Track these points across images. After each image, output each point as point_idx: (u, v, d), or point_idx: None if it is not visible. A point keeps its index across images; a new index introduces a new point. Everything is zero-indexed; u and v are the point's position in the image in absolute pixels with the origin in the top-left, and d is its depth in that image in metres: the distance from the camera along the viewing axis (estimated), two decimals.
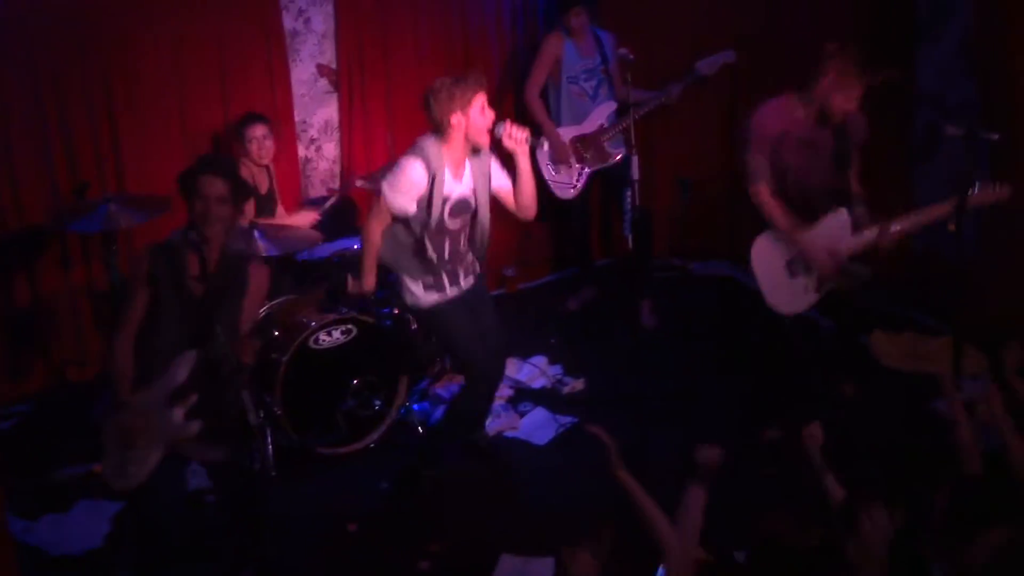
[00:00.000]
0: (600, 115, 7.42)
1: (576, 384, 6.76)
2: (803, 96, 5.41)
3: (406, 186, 5.16)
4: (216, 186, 4.54)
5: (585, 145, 7.42)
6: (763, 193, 5.44)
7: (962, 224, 5.05)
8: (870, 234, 5.45)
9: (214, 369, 4.42)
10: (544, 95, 7.54)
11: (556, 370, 6.91)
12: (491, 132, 5.18)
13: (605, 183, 7.72)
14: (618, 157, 7.37)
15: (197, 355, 4.36)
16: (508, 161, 5.34)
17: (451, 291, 5.44)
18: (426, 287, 5.38)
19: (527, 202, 5.38)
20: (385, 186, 5.22)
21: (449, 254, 5.38)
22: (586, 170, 7.43)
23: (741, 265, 8.34)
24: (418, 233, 5.27)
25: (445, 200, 5.21)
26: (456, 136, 5.15)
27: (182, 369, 4.35)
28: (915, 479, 4.24)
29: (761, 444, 5.71)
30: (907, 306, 7.35)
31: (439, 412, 6.31)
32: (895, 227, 5.43)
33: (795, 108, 5.42)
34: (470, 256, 5.54)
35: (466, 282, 5.51)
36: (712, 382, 6.52)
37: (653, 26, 8.32)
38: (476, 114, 5.11)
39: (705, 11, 8.30)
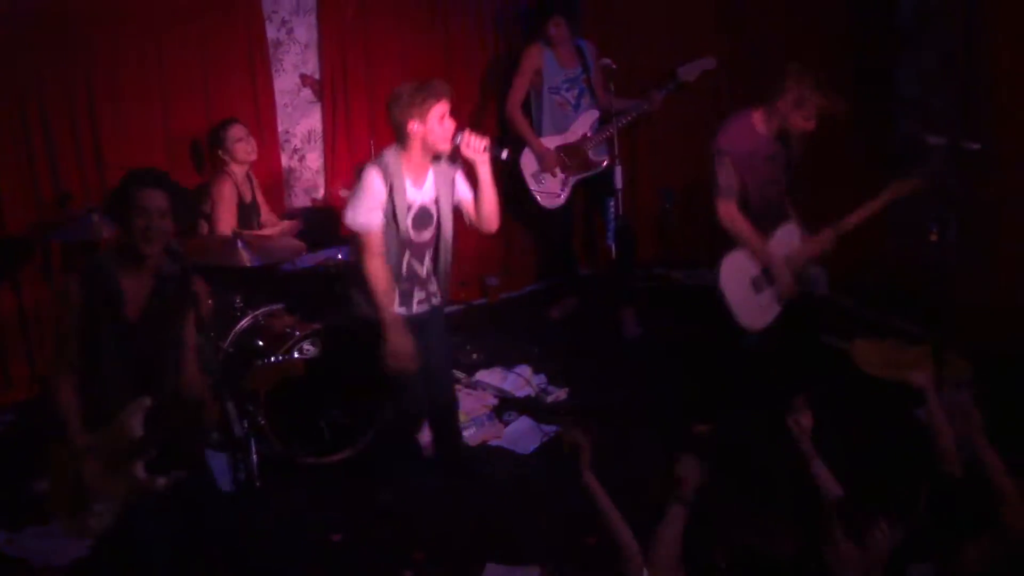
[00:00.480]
0: (583, 124, 7.45)
1: (560, 393, 6.76)
2: (765, 111, 5.58)
3: (366, 201, 5.11)
4: (157, 199, 4.23)
5: (569, 154, 7.44)
6: (732, 211, 5.60)
7: (944, 232, 5.09)
8: (825, 237, 5.63)
9: (168, 402, 4.20)
10: (527, 106, 7.56)
11: (540, 379, 6.91)
12: (451, 142, 5.13)
13: (588, 192, 7.74)
14: (602, 166, 7.39)
15: (147, 402, 4.17)
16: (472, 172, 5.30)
17: (396, 308, 5.27)
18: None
19: (488, 213, 5.32)
20: (348, 209, 5.18)
21: (407, 272, 5.30)
22: (571, 179, 7.45)
23: None
24: (389, 247, 5.20)
25: (408, 208, 5.17)
26: (415, 144, 5.12)
27: (136, 419, 4.16)
28: (896, 484, 4.25)
29: (692, 436, 5.88)
30: (889, 314, 7.39)
31: None
32: (850, 222, 5.59)
33: (759, 124, 5.61)
34: (432, 284, 5.43)
35: (418, 307, 5.38)
36: (693, 392, 6.52)
37: (634, 34, 8.36)
38: (435, 123, 5.06)
39: (686, 18, 8.34)
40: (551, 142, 7.46)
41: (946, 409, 4.16)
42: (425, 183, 5.24)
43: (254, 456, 5.68)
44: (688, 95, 7.61)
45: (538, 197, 7.52)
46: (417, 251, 5.29)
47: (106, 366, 4.27)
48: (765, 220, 5.64)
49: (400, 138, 5.16)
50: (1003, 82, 6.48)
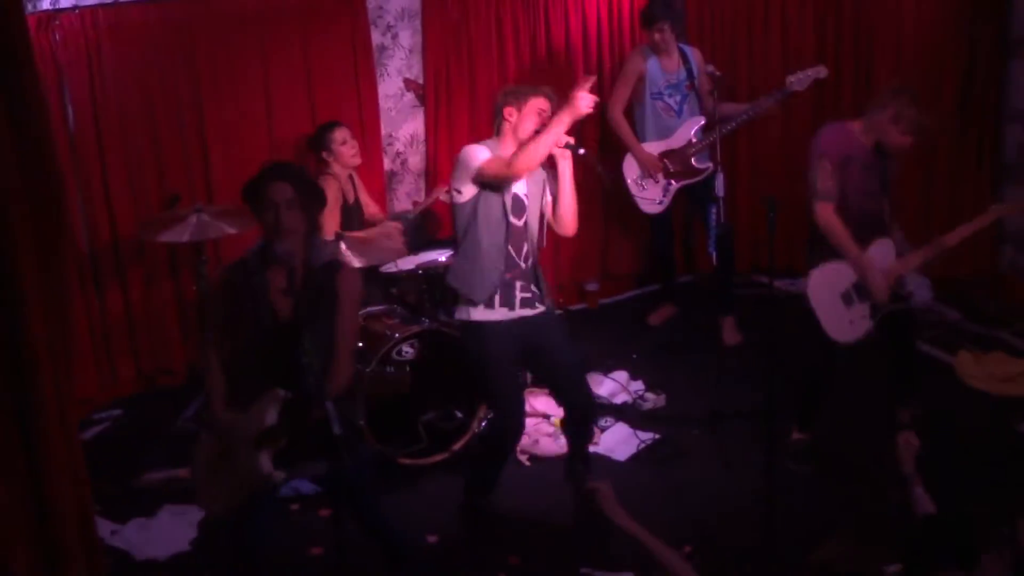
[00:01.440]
0: (688, 130, 7.38)
1: (658, 400, 6.73)
2: (864, 123, 5.55)
3: (482, 151, 5.07)
4: (284, 191, 4.28)
5: (673, 160, 7.39)
6: (829, 213, 5.54)
7: None
8: (923, 253, 5.57)
9: (306, 395, 4.12)
10: (629, 111, 7.53)
11: (637, 386, 6.89)
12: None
13: (689, 199, 7.68)
14: (706, 172, 7.33)
15: (285, 394, 4.18)
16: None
17: (499, 311, 5.16)
18: (477, 302, 5.16)
19: (565, 211, 5.25)
20: (471, 162, 5.03)
21: (508, 259, 5.14)
22: (673, 185, 7.40)
23: None
24: (493, 227, 5.09)
25: (508, 191, 5.13)
26: (507, 132, 5.15)
27: (271, 410, 4.19)
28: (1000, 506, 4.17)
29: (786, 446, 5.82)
30: (994, 327, 7.25)
31: None
32: (949, 241, 5.53)
33: (858, 134, 5.57)
34: (532, 281, 5.26)
35: (523, 307, 5.22)
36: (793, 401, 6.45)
37: (740, 43, 8.30)
38: (528, 114, 5.10)
39: (793, 26, 8.26)
40: (654, 148, 7.41)
41: None
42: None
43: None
44: (792, 104, 7.52)
45: (639, 202, 7.48)
46: (516, 239, 5.17)
47: (251, 357, 4.35)
48: (862, 231, 5.57)
49: (496, 125, 5.20)
50: None
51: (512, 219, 5.12)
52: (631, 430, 6.35)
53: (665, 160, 7.39)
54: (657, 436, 6.23)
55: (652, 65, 7.38)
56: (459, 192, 5.11)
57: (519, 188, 5.15)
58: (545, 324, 5.32)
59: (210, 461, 4.38)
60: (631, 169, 7.46)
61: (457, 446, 6.08)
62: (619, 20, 8.15)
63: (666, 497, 5.64)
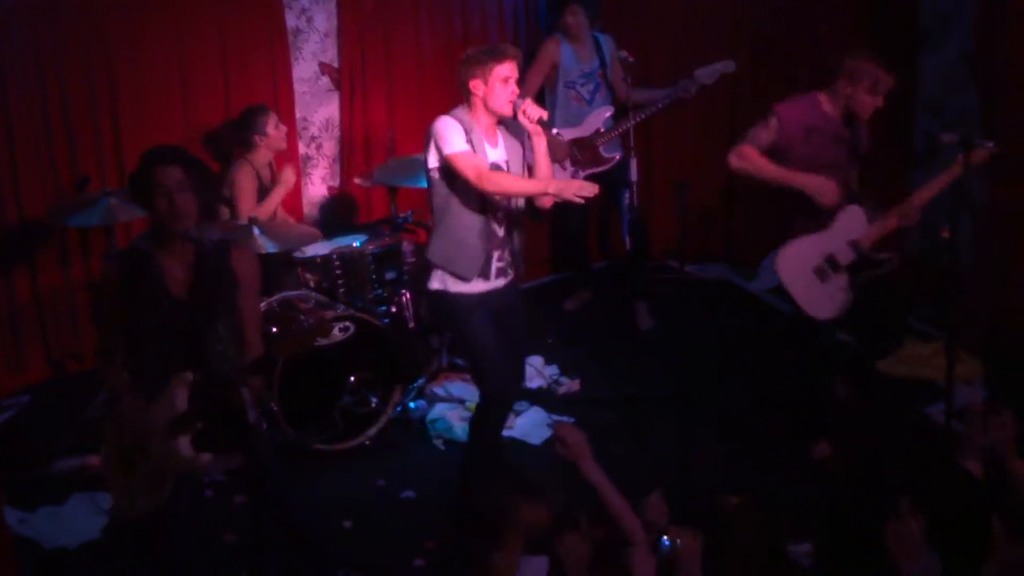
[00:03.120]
0: (596, 119, 7.40)
1: (572, 384, 6.78)
2: (828, 94, 5.51)
3: (453, 133, 4.96)
4: (173, 174, 4.14)
5: (581, 148, 7.41)
6: (750, 152, 5.50)
7: (957, 228, 5.08)
8: (892, 217, 5.54)
9: (217, 379, 4.14)
10: (539, 98, 7.53)
11: (552, 370, 6.93)
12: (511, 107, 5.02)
13: (602, 186, 7.69)
14: (613, 162, 7.38)
15: (193, 375, 4.14)
16: None
17: (477, 284, 5.12)
18: (467, 279, 5.10)
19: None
20: (440, 144, 4.96)
21: (486, 229, 5.09)
22: (580, 173, 7.40)
23: (738, 268, 8.44)
24: (471, 195, 5.01)
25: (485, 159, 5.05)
26: (478, 104, 5.03)
27: (179, 394, 4.13)
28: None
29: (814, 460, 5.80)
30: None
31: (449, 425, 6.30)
32: (916, 201, 5.51)
33: (825, 105, 5.51)
34: (507, 252, 5.21)
35: (497, 277, 5.18)
36: (707, 385, 6.53)
37: (651, 31, 8.37)
38: (497, 84, 4.97)
39: (706, 15, 8.35)
40: (565, 135, 7.42)
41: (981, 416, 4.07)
42: (498, 142, 5.15)
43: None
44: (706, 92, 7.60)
45: None
46: (493, 207, 5.11)
47: (152, 344, 4.22)
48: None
49: (465, 97, 5.07)
50: (1019, 83, 6.46)
51: None
52: (546, 414, 6.39)
53: (573, 148, 7.40)
54: (572, 420, 6.27)
55: (566, 53, 7.40)
56: (432, 168, 5.06)
57: (495, 155, 5.10)
58: (509, 297, 5.30)
59: (122, 459, 4.27)
60: None
61: (371, 431, 6.08)
62: (535, 4, 8.16)
63: (581, 481, 5.67)
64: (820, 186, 5.45)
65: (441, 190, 5.08)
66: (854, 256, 5.55)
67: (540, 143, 5.10)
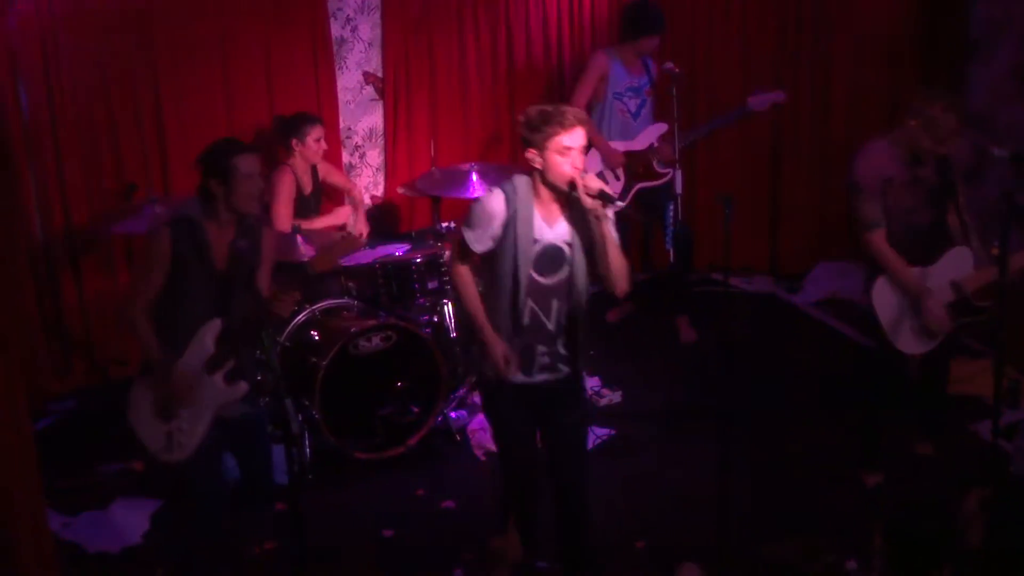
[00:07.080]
0: (652, 134, 7.36)
1: (614, 396, 6.75)
2: (891, 139, 5.36)
3: (479, 218, 4.34)
4: (255, 163, 4.66)
5: (635, 161, 7.38)
6: (879, 242, 5.33)
7: (1006, 245, 5.00)
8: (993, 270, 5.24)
9: (242, 331, 4.66)
10: (588, 110, 7.51)
11: (594, 382, 6.90)
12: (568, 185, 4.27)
13: (648, 199, 7.69)
14: (667, 177, 7.32)
15: (221, 323, 4.61)
16: None
17: (513, 374, 4.44)
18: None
19: (613, 271, 4.39)
20: (464, 223, 4.42)
21: (529, 320, 4.40)
22: (633, 186, 7.37)
23: (782, 281, 8.39)
24: (503, 284, 4.38)
25: (534, 242, 4.33)
26: (536, 178, 4.32)
27: (208, 338, 4.61)
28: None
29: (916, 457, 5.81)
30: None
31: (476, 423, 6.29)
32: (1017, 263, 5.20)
33: (890, 151, 5.33)
34: (561, 345, 4.48)
35: (541, 374, 4.48)
36: (749, 399, 6.48)
37: (703, 56, 8.38)
38: (553, 156, 4.22)
39: (754, 36, 8.33)
40: (618, 147, 7.38)
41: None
42: (559, 221, 4.39)
43: (307, 450, 5.79)
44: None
45: None
46: (542, 298, 4.40)
47: (190, 304, 4.64)
48: (918, 248, 5.37)
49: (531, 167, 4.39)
50: None
51: (536, 276, 4.38)
52: (587, 426, 6.35)
53: (627, 161, 7.37)
54: (613, 432, 6.25)
55: (616, 66, 7.36)
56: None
57: (554, 235, 4.38)
58: (558, 392, 4.55)
59: (162, 406, 4.65)
60: (592, 164, 7.45)
61: (413, 440, 6.07)
62: (579, 17, 8.15)
63: (621, 492, 5.65)
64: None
65: (483, 264, 4.51)
66: (953, 297, 5.38)
67: (603, 227, 4.31)
